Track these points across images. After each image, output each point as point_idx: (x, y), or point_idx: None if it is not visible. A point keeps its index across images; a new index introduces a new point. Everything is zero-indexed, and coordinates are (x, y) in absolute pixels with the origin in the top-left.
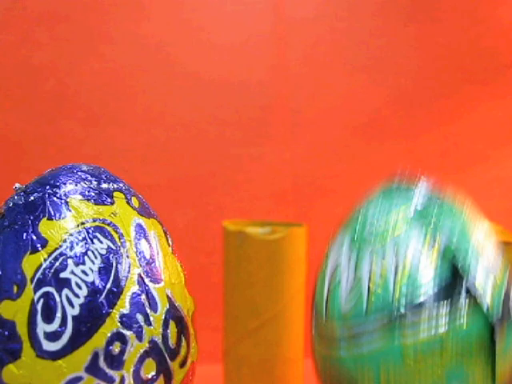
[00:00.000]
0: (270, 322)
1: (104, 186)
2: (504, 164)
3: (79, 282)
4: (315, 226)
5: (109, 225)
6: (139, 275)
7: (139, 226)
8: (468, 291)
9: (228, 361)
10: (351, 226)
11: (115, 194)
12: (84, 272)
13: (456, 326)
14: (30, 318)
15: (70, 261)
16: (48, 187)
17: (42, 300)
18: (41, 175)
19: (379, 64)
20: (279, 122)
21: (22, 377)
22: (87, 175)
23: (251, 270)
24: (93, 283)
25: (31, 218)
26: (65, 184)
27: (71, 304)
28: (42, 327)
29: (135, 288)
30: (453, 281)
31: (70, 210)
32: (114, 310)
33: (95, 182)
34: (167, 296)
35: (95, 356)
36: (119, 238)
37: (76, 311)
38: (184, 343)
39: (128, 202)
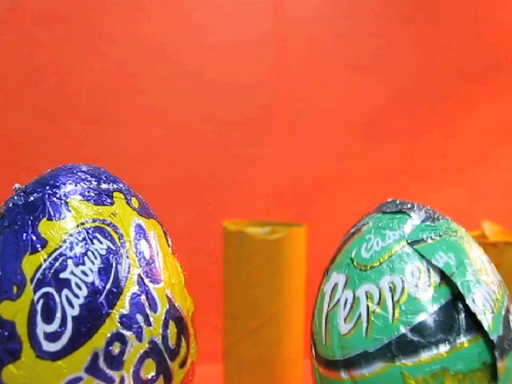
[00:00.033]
0: (270, 322)
1: (104, 186)
2: (504, 164)
3: (79, 282)
4: (315, 226)
5: (109, 225)
6: (139, 276)
7: (139, 226)
8: (468, 310)
9: (228, 361)
10: (344, 263)
11: (115, 194)
12: (84, 272)
13: (457, 346)
14: (29, 318)
15: (69, 261)
16: (48, 187)
17: (41, 300)
18: (40, 175)
19: (379, 64)
20: (279, 122)
21: (21, 377)
22: (87, 175)
23: (251, 270)
24: (92, 284)
25: (31, 218)
26: (64, 184)
27: (71, 304)
28: (41, 328)
29: (135, 288)
30: (452, 299)
31: (69, 211)
32: (114, 311)
33: (95, 183)
34: (167, 296)
35: (95, 356)
36: (119, 239)
37: (76, 312)
38: (184, 343)
39: (128, 203)
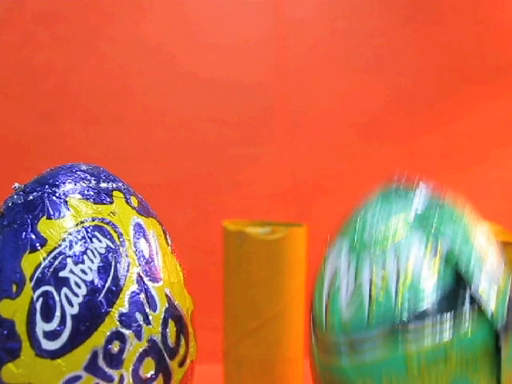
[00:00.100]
0: (270, 322)
1: (103, 185)
2: (504, 164)
3: (78, 281)
4: (315, 226)
5: (108, 224)
6: (138, 274)
7: (138, 225)
8: (472, 298)
9: (228, 361)
10: (350, 232)
11: (114, 193)
12: (83, 271)
13: (460, 334)
14: (29, 317)
15: (69, 260)
16: (47, 186)
17: (41, 299)
18: (40, 175)
19: (379, 64)
20: (279, 122)
21: (21, 376)
22: (86, 174)
23: (251, 270)
24: (92, 282)
25: (30, 217)
26: (64, 183)
27: (70, 303)
28: (41, 326)
29: (134, 287)
30: (456, 288)
31: (69, 210)
32: (113, 309)
33: (94, 182)
34: (166, 295)
35: (94, 355)
36: (118, 237)
37: (75, 310)
38: (183, 342)
39: (127, 202)
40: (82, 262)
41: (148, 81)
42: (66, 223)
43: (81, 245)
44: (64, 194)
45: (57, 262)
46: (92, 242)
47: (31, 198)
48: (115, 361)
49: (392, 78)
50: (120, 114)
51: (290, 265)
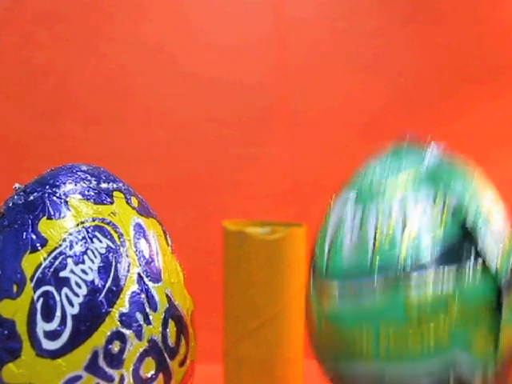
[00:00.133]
0: (270, 322)
1: (103, 185)
2: (504, 164)
3: (79, 281)
4: (315, 226)
5: (108, 224)
6: (138, 274)
7: (138, 225)
8: (476, 253)
9: (228, 361)
10: (357, 184)
11: (115, 193)
12: (83, 271)
13: (462, 287)
14: (29, 317)
15: (69, 260)
16: (47, 187)
17: (41, 299)
18: (40, 175)
19: (379, 64)
20: (279, 122)
21: (21, 375)
22: (87, 175)
23: (251, 270)
24: (92, 282)
25: (31, 217)
26: (64, 184)
27: (71, 303)
28: (41, 326)
29: (135, 287)
30: (461, 241)
31: (69, 210)
32: (114, 309)
33: (95, 182)
34: (166, 295)
35: (95, 355)
36: (119, 238)
37: (75, 310)
38: (183, 342)
39: (127, 202)
40: (83, 262)
41: (148, 81)
42: (67, 223)
43: (81, 245)
44: (64, 194)
45: (57, 262)
46: (92, 242)
47: (32, 198)
48: (116, 361)
49: (392, 78)
50: (120, 114)
51: (290, 265)
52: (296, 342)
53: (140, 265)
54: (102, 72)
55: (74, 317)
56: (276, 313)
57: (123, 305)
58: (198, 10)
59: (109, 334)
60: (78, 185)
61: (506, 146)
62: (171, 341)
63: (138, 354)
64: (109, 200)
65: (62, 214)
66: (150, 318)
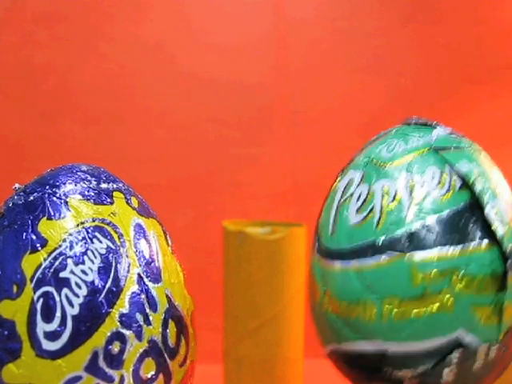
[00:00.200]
0: (270, 322)
1: (103, 185)
2: (504, 164)
3: (79, 281)
4: (315, 226)
5: (108, 224)
6: (139, 275)
7: (139, 225)
8: (483, 220)
9: (228, 361)
10: (362, 163)
11: (115, 193)
12: (83, 271)
13: (468, 253)
14: (29, 317)
15: (69, 260)
16: (47, 187)
17: (41, 299)
18: (40, 175)
19: (379, 64)
20: (279, 122)
21: (21, 376)
22: (87, 175)
23: (251, 270)
24: (92, 283)
25: (31, 217)
26: (64, 184)
27: (71, 303)
28: (41, 327)
29: (135, 287)
30: (469, 207)
31: (69, 210)
32: (114, 310)
33: (95, 182)
34: (166, 296)
35: (95, 355)
36: (119, 238)
37: (75, 311)
38: (183, 343)
39: (127, 202)
40: (83, 263)
41: (148, 81)
42: (67, 224)
43: (81, 245)
44: (64, 194)
45: (57, 263)
46: (92, 242)
47: (32, 198)
48: (116, 361)
49: (392, 78)
50: (120, 113)
51: (290, 265)
52: (296, 342)
53: (140, 265)
54: (102, 72)
55: (74, 317)
56: (276, 313)
57: (123, 305)
58: (198, 10)
59: (109, 334)
60: (78, 185)
61: (506, 146)
62: (171, 341)
63: (137, 355)
64: (109, 200)
65: (62, 215)
66: (150, 318)
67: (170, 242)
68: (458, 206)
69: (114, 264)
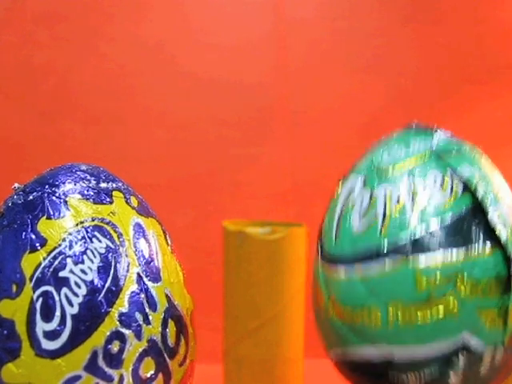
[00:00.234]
0: (270, 322)
1: (103, 185)
2: (504, 164)
3: (78, 280)
4: (315, 225)
5: (108, 224)
6: (138, 274)
7: (138, 225)
8: (486, 224)
9: (228, 361)
10: (364, 168)
11: (114, 193)
12: (83, 271)
13: (472, 258)
14: (29, 316)
15: (68, 260)
16: (47, 186)
17: (41, 299)
18: (40, 175)
19: (379, 64)
20: (279, 122)
21: (21, 376)
22: (86, 174)
23: (251, 270)
24: (92, 282)
25: (30, 217)
26: (64, 183)
27: (70, 303)
28: (41, 326)
29: (134, 287)
30: (472, 212)
31: (68, 209)
32: (113, 309)
33: (94, 182)
34: (166, 295)
35: (94, 355)
36: (118, 237)
37: (75, 310)
38: (183, 342)
39: (127, 202)
40: (82, 262)
41: (148, 81)
42: (66, 223)
43: (81, 245)
44: (64, 193)
45: (57, 262)
46: (92, 241)
47: (31, 198)
48: (115, 360)
49: (392, 78)
50: (120, 113)
51: (290, 265)
52: (296, 342)
53: (139, 264)
54: (102, 72)
55: (73, 317)
56: (276, 313)
57: (122, 305)
58: (198, 10)
59: (108, 333)
60: (78, 184)
61: (506, 146)
62: (171, 341)
63: (137, 354)
64: (108, 200)
65: (62, 214)
66: (150, 317)
67: (169, 241)
68: (461, 211)
69: (113, 263)
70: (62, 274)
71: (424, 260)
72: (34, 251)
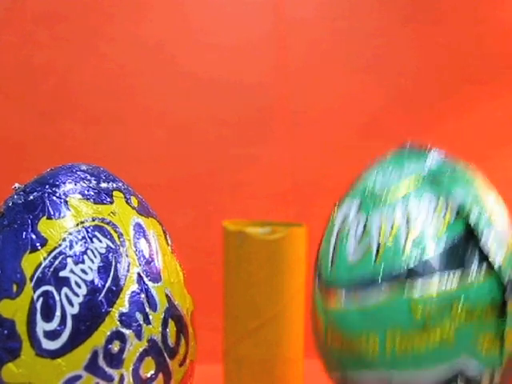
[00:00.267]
0: (270, 322)
1: (103, 185)
2: (504, 164)
3: (78, 280)
4: (315, 226)
5: (108, 224)
6: (138, 274)
7: (138, 225)
8: (480, 250)
9: (228, 361)
10: (359, 191)
11: (114, 193)
12: (83, 271)
13: (466, 285)
14: (29, 316)
15: (69, 260)
16: (47, 186)
17: (41, 299)
18: (40, 175)
19: (379, 64)
20: (279, 122)
21: (21, 375)
22: (86, 174)
23: (251, 270)
24: (92, 282)
25: (30, 217)
26: (64, 183)
27: (70, 303)
28: (41, 326)
29: (134, 287)
30: (465, 239)
31: (69, 209)
32: (114, 309)
33: (94, 182)
34: (166, 295)
35: (94, 354)
36: (118, 237)
37: (75, 310)
38: (183, 342)
39: (127, 202)
40: (83, 262)
41: (148, 81)
42: (67, 223)
43: (81, 245)
44: (64, 193)
45: (57, 262)
46: (92, 241)
47: (31, 198)
48: (115, 360)
49: (392, 78)
50: (120, 113)
51: (290, 265)
52: (296, 342)
53: (140, 264)
54: (102, 72)
55: (73, 316)
56: (276, 313)
57: (123, 304)
58: (198, 10)
59: (108, 333)
60: (78, 184)
61: (506, 146)
62: (171, 341)
63: (137, 354)
64: (108, 200)
65: (62, 214)
66: (150, 317)
67: (169, 241)
68: (455, 238)
69: (113, 263)
70: (62, 273)
71: (419, 288)
72: (34, 251)
